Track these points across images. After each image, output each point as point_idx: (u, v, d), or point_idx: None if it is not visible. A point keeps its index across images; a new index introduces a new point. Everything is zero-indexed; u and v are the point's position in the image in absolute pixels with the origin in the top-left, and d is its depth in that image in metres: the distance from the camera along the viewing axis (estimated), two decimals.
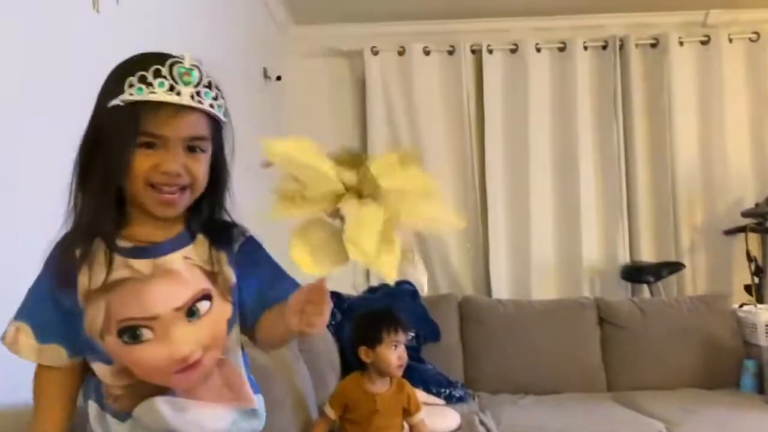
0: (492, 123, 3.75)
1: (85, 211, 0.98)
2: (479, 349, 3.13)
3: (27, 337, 1.01)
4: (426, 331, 3.10)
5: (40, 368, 1.04)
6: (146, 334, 0.97)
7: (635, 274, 3.62)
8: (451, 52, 3.77)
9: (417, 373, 2.72)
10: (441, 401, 2.70)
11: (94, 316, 0.97)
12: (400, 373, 2.00)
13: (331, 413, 1.99)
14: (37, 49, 1.42)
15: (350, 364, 2.58)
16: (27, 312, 1.02)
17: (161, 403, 1.00)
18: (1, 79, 1.31)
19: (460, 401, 2.77)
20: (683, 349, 3.08)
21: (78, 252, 0.97)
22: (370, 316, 2.09)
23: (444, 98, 3.76)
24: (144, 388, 1.00)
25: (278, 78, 3.37)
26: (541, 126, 3.75)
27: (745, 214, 3.60)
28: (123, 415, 1.02)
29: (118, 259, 0.98)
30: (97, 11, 1.64)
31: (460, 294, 3.45)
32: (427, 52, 3.76)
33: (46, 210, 1.37)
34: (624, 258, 3.72)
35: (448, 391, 2.79)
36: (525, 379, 3.02)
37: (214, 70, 1.10)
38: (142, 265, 0.98)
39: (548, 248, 3.73)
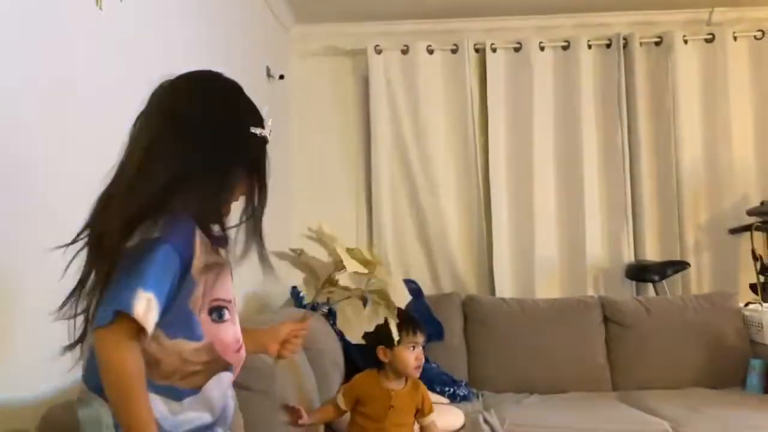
0: (495, 121, 3.74)
1: (203, 201, 1.05)
2: (483, 348, 3.12)
3: (155, 311, 0.95)
4: (430, 330, 3.09)
5: (133, 347, 0.95)
6: (226, 314, 1.10)
7: (640, 273, 3.61)
8: (454, 51, 3.76)
9: (421, 372, 2.71)
10: (445, 400, 2.69)
11: (199, 293, 1.06)
12: (417, 374, 2.02)
13: (342, 404, 2.00)
14: (38, 46, 1.41)
15: (355, 363, 2.58)
16: (155, 284, 0.96)
17: (226, 378, 1.11)
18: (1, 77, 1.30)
19: (464, 400, 2.77)
20: (689, 349, 3.07)
21: (197, 234, 1.04)
22: None
23: (447, 97, 3.75)
24: (217, 365, 1.09)
25: (281, 77, 3.36)
26: (544, 125, 3.74)
27: (750, 213, 3.59)
28: (186, 392, 1.05)
29: (209, 244, 1.07)
30: (100, 8, 1.63)
31: (463, 293, 3.45)
32: (430, 51, 3.76)
33: (56, 209, 1.37)
34: (629, 257, 3.70)
35: (452, 389, 2.78)
36: (529, 378, 3.01)
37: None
38: (223, 253, 1.12)
39: (552, 247, 3.71)
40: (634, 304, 3.22)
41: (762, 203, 3.60)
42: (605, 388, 3.03)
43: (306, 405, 2.03)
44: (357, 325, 1.41)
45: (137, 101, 1.11)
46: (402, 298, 1.41)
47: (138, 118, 1.10)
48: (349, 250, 1.35)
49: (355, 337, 1.41)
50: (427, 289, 3.50)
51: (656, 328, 3.11)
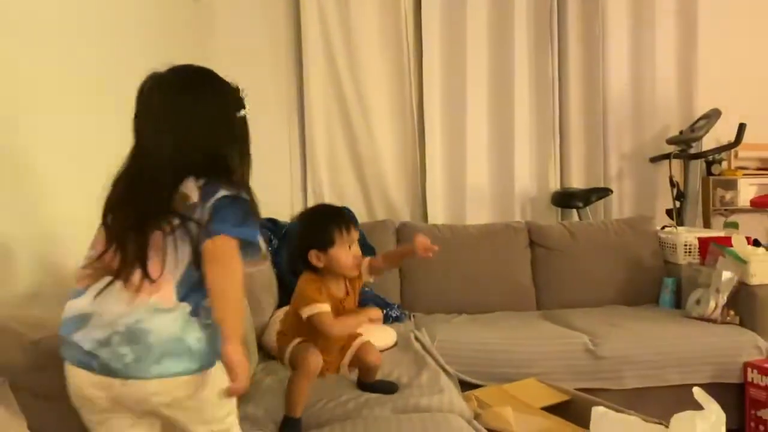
0: (430, 47, 3.70)
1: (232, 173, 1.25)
2: (415, 272, 3.18)
3: None
4: (364, 255, 3.11)
5: None
6: None
7: (565, 199, 3.74)
8: None
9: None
10: None
11: None
12: (356, 272, 1.84)
13: (323, 305, 1.73)
14: None
15: (289, 287, 2.57)
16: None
17: None
18: None
19: (396, 321, 2.83)
20: (608, 269, 3.23)
21: None
22: (318, 216, 1.87)
23: (381, 20, 3.65)
24: None
25: None
26: (478, 52, 3.73)
27: (670, 142, 3.74)
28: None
29: None
30: None
31: (397, 220, 3.47)
32: None
33: None
34: (555, 184, 3.83)
35: (385, 311, 2.83)
36: (459, 300, 3.11)
37: None
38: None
39: (483, 175, 3.78)
40: (559, 229, 3.34)
41: (681, 132, 3.76)
42: (530, 308, 3.17)
43: None
44: None
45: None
46: None
47: (141, 112, 1.21)
48: None
49: None
50: (362, 217, 3.50)
51: (579, 251, 3.25)
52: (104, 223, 1.18)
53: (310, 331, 1.78)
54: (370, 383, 1.97)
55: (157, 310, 1.11)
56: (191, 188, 1.16)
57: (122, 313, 1.10)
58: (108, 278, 1.12)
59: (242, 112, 1.27)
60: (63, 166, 1.71)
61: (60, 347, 1.14)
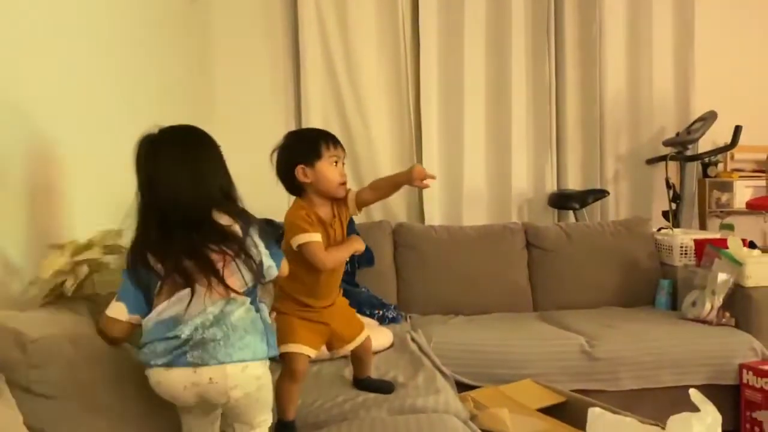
0: (427, 51, 3.70)
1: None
2: (412, 273, 3.19)
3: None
4: (360, 256, 3.12)
5: None
6: None
7: (562, 201, 3.75)
8: None
9: (350, 296, 2.74)
10: (374, 322, 2.74)
11: None
12: (343, 192, 1.78)
13: (314, 234, 1.71)
14: None
15: None
16: None
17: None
18: None
19: (392, 322, 2.83)
20: (605, 271, 3.24)
21: None
22: (303, 133, 1.92)
23: (379, 21, 3.66)
24: None
25: None
26: (475, 54, 3.74)
27: (666, 144, 3.76)
28: None
29: None
30: None
31: (393, 221, 3.47)
32: None
33: None
34: (552, 186, 3.83)
35: (381, 312, 2.84)
36: (456, 301, 3.11)
37: None
38: None
39: (480, 176, 3.79)
40: (556, 230, 3.34)
41: (677, 135, 3.78)
42: (527, 309, 3.17)
43: None
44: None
45: None
46: None
47: (153, 166, 1.39)
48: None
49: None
50: (358, 218, 3.48)
51: (575, 252, 3.26)
52: (148, 264, 1.36)
53: (304, 288, 1.74)
54: (367, 381, 1.97)
55: (234, 301, 1.38)
56: (231, 223, 1.42)
57: (207, 306, 1.34)
58: (186, 292, 1.33)
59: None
60: (73, 170, 1.72)
61: (150, 355, 1.31)
